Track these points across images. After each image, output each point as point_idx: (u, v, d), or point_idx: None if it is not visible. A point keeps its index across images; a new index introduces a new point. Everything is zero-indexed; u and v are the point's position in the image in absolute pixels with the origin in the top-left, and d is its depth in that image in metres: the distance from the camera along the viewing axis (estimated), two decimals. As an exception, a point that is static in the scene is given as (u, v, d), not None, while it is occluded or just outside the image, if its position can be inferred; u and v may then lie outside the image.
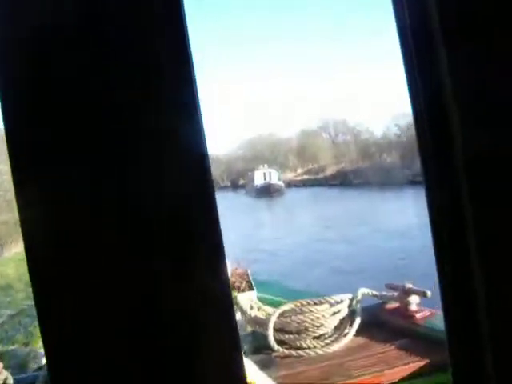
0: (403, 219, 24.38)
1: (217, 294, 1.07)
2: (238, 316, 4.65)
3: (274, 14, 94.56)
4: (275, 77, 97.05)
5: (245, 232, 27.42)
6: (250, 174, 67.83)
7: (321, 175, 64.56)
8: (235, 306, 4.70)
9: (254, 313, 4.94)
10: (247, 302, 4.89)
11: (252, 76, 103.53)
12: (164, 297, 1.06)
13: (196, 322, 1.07)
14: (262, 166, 66.53)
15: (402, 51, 1.21)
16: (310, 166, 71.69)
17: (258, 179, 63.21)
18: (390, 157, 58.61)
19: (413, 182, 40.04)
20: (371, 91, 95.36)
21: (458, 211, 1.13)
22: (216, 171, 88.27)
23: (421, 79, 1.19)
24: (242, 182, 76.66)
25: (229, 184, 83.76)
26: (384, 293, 5.00)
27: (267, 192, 56.96)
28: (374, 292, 5.08)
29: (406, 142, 58.09)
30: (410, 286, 4.85)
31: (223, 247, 1.10)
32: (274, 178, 63.02)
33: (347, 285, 13.92)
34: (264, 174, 64.23)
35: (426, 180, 1.22)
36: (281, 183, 61.85)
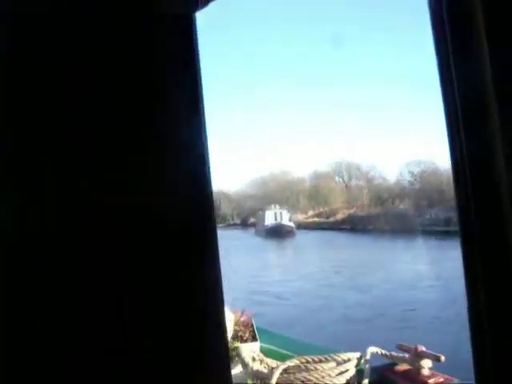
0: (414, 269, 24.05)
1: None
2: (239, 368, 4.33)
3: (284, 49, 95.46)
4: (289, 116, 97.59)
5: (252, 273, 27.14)
6: (260, 213, 67.25)
7: (332, 219, 63.95)
8: (237, 358, 4.40)
9: (256, 366, 4.62)
10: (250, 353, 4.56)
11: (264, 113, 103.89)
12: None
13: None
14: (273, 206, 65.84)
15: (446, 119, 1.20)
16: (322, 209, 71.36)
17: (269, 219, 62.55)
18: (402, 204, 58.19)
19: (424, 231, 39.69)
20: (386, 136, 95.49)
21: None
22: (226, 209, 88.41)
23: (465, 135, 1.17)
24: (252, 220, 76.39)
25: (239, 222, 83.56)
26: (394, 353, 4.67)
27: (278, 233, 55.97)
28: (384, 351, 4.75)
29: (419, 190, 57.84)
30: (422, 348, 4.53)
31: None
32: (285, 218, 62.25)
33: (355, 335, 13.64)
34: (275, 213, 63.63)
35: (465, 232, 1.16)
36: (292, 224, 60.81)
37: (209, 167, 1.21)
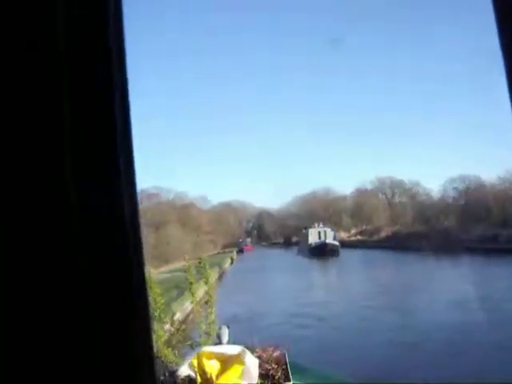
0: (459, 290, 23.31)
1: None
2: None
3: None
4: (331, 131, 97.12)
5: (293, 294, 26.76)
6: (304, 231, 66.11)
7: (375, 237, 62.90)
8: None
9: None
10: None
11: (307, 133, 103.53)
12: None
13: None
14: (316, 224, 64.83)
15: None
16: (364, 227, 70.44)
17: (313, 237, 61.45)
18: (447, 220, 56.96)
19: (469, 249, 38.67)
20: (430, 151, 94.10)
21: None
22: (269, 227, 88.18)
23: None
24: (295, 239, 75.85)
25: (282, 241, 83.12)
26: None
27: (322, 252, 54.22)
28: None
29: (464, 206, 56.66)
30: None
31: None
32: (330, 236, 60.71)
33: (399, 362, 13.10)
34: (319, 232, 62.35)
35: None
36: (336, 243, 58.99)
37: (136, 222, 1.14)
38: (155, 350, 4.41)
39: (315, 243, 58.88)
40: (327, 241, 58.45)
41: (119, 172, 1.11)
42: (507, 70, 1.13)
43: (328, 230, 62.19)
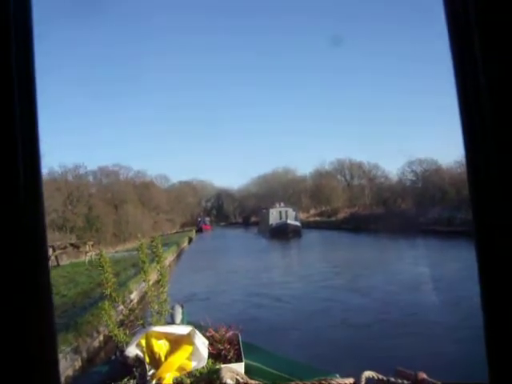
0: (414, 271, 23.72)
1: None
2: (220, 393, 3.89)
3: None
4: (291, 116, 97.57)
5: (252, 274, 26.85)
6: (264, 211, 64.92)
7: (333, 218, 63.33)
8: (217, 381, 3.94)
9: (238, 390, 4.16)
10: (232, 376, 4.11)
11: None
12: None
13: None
14: (278, 204, 63.69)
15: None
16: (323, 208, 71.03)
17: (274, 218, 60.20)
18: (404, 203, 57.75)
19: (425, 231, 39.33)
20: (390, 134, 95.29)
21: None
22: (228, 207, 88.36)
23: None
24: (254, 219, 76.06)
25: (241, 220, 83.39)
26: (392, 379, 4.22)
27: (283, 233, 52.67)
28: (381, 376, 4.29)
29: (420, 189, 57.51)
30: (423, 376, 4.08)
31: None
32: (291, 217, 59.59)
33: (353, 343, 13.24)
34: (280, 212, 61.27)
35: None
36: (298, 223, 57.55)
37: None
38: (108, 329, 4.36)
39: (276, 224, 57.45)
40: (288, 221, 56.90)
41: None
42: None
43: (289, 210, 61.36)
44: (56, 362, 1.13)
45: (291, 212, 61.13)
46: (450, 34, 1.14)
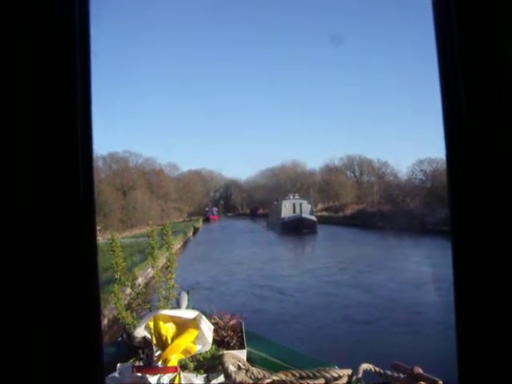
0: (419, 270, 23.75)
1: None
2: (221, 379, 4.02)
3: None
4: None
5: (257, 266, 26.97)
6: (275, 202, 59.34)
7: (341, 214, 62.89)
8: (219, 367, 4.08)
9: (240, 377, 4.27)
10: (234, 362, 4.24)
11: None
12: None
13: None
14: (291, 196, 58.10)
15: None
16: (331, 203, 70.90)
17: (287, 210, 54.00)
18: (413, 202, 57.62)
19: (432, 231, 39.23)
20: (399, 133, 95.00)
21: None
22: (236, 198, 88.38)
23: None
24: (261, 211, 75.82)
25: (248, 212, 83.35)
26: (389, 372, 4.33)
27: (297, 228, 46.68)
28: (378, 369, 4.40)
29: (429, 188, 57.32)
30: (419, 370, 4.17)
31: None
32: (307, 210, 53.80)
33: (354, 338, 13.34)
34: (294, 204, 55.28)
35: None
36: (314, 218, 51.49)
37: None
38: (117, 311, 4.49)
39: (288, 217, 51.40)
40: (303, 215, 51.34)
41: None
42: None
43: (304, 203, 55.55)
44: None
45: (306, 205, 55.40)
46: (437, 43, 1.20)
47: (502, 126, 1.10)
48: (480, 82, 1.11)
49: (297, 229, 46.28)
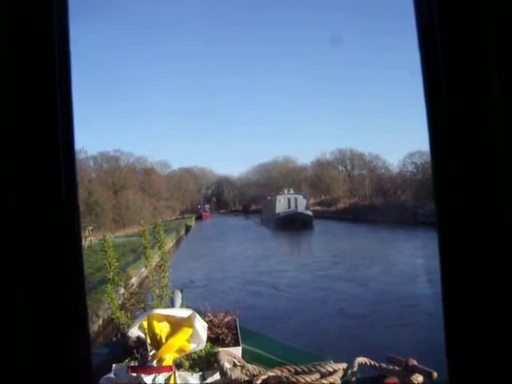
0: (412, 262, 23.85)
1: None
2: (217, 376, 4.02)
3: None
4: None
5: (250, 262, 26.98)
6: (269, 198, 57.93)
7: (333, 208, 62.89)
8: (215, 365, 4.07)
9: (235, 374, 4.27)
10: (229, 359, 4.23)
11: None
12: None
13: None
14: (286, 190, 56.53)
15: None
16: (323, 198, 70.98)
17: (282, 206, 52.40)
18: (404, 195, 57.82)
19: (424, 223, 39.35)
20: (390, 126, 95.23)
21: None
22: (229, 194, 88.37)
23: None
24: (253, 207, 75.78)
25: (240, 208, 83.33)
26: (384, 365, 4.35)
27: (292, 223, 45.08)
28: (373, 362, 4.41)
29: (420, 181, 57.49)
30: (414, 362, 4.19)
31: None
32: (302, 205, 52.33)
33: (348, 332, 13.37)
34: (289, 199, 53.58)
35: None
36: (310, 213, 50.04)
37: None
38: (111, 311, 4.49)
39: (284, 213, 50.15)
40: (299, 210, 50.04)
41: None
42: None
43: (299, 198, 54.02)
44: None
45: (301, 199, 53.85)
46: (420, 50, 1.22)
47: (484, 119, 1.11)
48: (461, 74, 1.13)
49: (293, 224, 45.01)
